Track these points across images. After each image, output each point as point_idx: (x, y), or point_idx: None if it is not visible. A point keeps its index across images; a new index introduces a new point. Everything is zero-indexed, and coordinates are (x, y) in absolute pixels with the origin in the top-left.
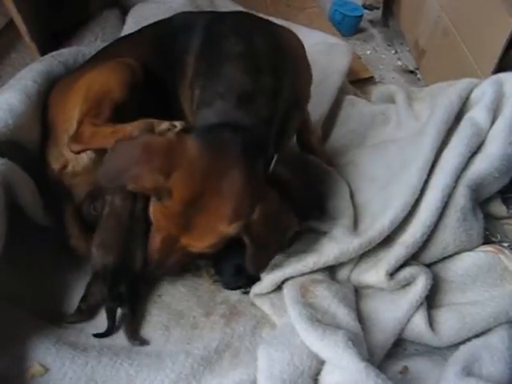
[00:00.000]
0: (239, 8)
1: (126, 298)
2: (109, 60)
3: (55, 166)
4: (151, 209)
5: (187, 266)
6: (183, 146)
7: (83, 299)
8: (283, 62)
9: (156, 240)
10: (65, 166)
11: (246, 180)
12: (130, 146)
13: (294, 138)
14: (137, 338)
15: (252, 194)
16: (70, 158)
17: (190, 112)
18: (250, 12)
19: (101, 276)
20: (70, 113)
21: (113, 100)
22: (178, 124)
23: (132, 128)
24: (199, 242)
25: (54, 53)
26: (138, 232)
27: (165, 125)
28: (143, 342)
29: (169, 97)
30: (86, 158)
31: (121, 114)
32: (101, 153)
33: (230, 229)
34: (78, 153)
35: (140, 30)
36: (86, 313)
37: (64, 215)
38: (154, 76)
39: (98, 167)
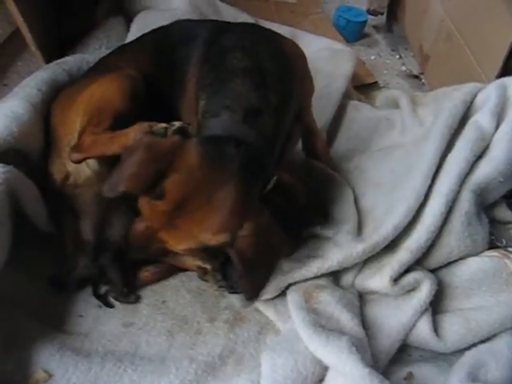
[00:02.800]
0: (244, 15)
1: (113, 268)
2: (109, 71)
3: (57, 176)
4: (139, 199)
5: (192, 270)
6: (185, 151)
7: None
8: (288, 77)
9: (139, 226)
10: (67, 178)
11: (239, 196)
12: (133, 147)
13: (299, 143)
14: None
15: (243, 211)
16: (72, 171)
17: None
18: (254, 22)
19: (86, 247)
20: (72, 126)
21: (113, 109)
22: (177, 123)
23: (131, 131)
24: (176, 244)
25: (58, 60)
26: (119, 204)
27: (162, 124)
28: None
29: (169, 107)
30: (87, 169)
31: (122, 124)
32: (103, 164)
33: (212, 239)
34: (79, 162)
35: (140, 37)
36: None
37: (64, 235)
38: (153, 86)
39: (100, 179)
